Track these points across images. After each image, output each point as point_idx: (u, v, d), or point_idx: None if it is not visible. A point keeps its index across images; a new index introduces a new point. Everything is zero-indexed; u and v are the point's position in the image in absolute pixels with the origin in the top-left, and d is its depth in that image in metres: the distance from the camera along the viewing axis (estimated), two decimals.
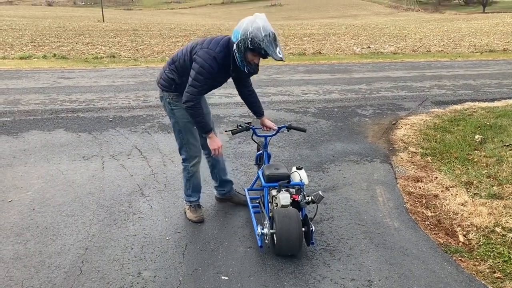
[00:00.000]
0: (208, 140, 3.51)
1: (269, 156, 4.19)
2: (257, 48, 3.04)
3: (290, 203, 3.31)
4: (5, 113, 7.04)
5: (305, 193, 3.46)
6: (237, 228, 3.69)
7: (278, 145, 5.85)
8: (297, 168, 3.65)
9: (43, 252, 3.31)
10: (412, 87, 9.73)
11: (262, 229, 3.22)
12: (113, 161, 5.18)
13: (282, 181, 3.44)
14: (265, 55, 3.09)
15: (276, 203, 3.35)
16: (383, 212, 4.03)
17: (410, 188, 4.54)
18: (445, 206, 4.13)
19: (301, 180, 3.55)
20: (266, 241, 3.25)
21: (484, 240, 3.48)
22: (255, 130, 3.93)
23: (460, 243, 3.48)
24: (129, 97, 8.40)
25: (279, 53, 3.09)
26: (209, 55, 3.20)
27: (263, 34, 3.01)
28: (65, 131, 6.26)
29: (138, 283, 2.96)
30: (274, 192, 3.43)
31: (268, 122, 3.92)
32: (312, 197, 3.29)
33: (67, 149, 5.54)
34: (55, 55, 14.80)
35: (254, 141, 4.24)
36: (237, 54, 3.14)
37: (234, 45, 3.11)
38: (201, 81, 3.24)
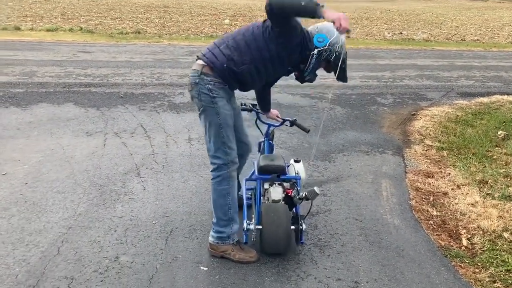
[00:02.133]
0: (326, 15, 2.43)
1: (271, 146, 3.98)
2: (335, 64, 2.76)
3: (283, 198, 3.09)
4: (18, 85, 7.04)
5: (299, 188, 3.25)
6: None
7: (287, 131, 5.63)
8: (295, 161, 3.44)
9: (25, 228, 3.24)
10: (439, 76, 9.29)
11: (249, 224, 3.00)
12: (116, 138, 5.09)
13: (276, 173, 3.22)
14: (336, 72, 2.78)
15: (268, 197, 3.15)
16: (385, 208, 3.80)
17: (419, 184, 4.29)
18: (453, 205, 3.86)
19: (297, 173, 3.34)
20: (253, 238, 3.05)
21: (489, 246, 3.22)
22: (259, 114, 3.71)
23: (463, 247, 3.24)
24: (144, 73, 8.30)
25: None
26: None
27: (345, 52, 2.79)
28: (75, 105, 6.21)
29: (113, 267, 2.85)
30: (266, 185, 3.20)
31: (273, 112, 3.65)
32: (306, 193, 3.03)
33: (72, 123, 5.48)
34: (81, 28, 14.83)
35: (257, 126, 3.94)
36: (314, 59, 2.75)
37: (316, 50, 2.73)
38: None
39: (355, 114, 6.52)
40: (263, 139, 3.86)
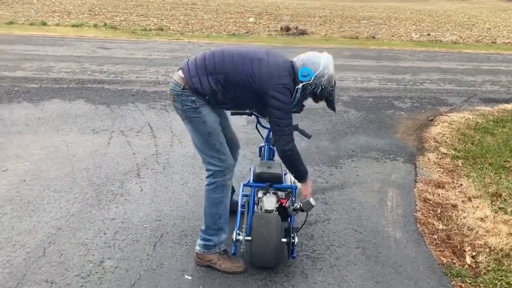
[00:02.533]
0: (302, 186, 2.88)
1: (272, 152, 3.84)
2: (323, 96, 2.76)
3: (276, 208, 2.94)
4: (33, 80, 7.11)
5: (294, 198, 3.11)
6: None
7: (296, 134, 5.47)
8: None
9: (15, 228, 3.21)
10: (462, 80, 8.96)
11: (239, 234, 2.85)
12: (121, 137, 5.05)
13: (272, 182, 3.05)
14: (326, 103, 2.85)
15: (261, 207, 3.01)
16: (388, 219, 3.62)
17: (428, 194, 4.09)
18: (461, 219, 3.66)
19: (293, 183, 3.18)
20: (242, 249, 2.90)
21: (494, 265, 3.02)
22: (259, 118, 3.57)
23: (466, 266, 3.04)
24: (159, 71, 8.27)
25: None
26: (285, 89, 2.64)
27: (333, 83, 2.73)
28: (85, 102, 6.21)
29: (96, 272, 2.78)
30: (260, 193, 3.03)
31: None
32: (301, 205, 2.88)
33: (80, 120, 5.47)
34: (105, 24, 14.99)
35: (258, 131, 3.80)
36: (299, 93, 2.69)
37: (301, 84, 2.66)
38: (287, 117, 2.68)
39: (369, 118, 6.32)
40: (264, 144, 3.73)
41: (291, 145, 2.68)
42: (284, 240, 2.83)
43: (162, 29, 14.92)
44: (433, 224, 3.58)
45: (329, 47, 12.39)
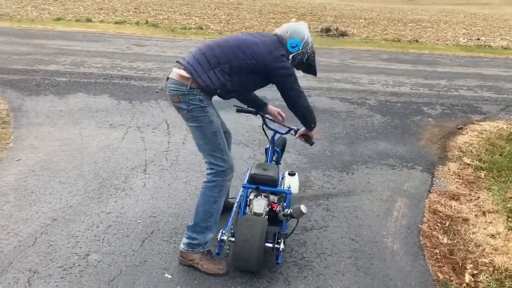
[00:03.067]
0: (311, 132, 3.15)
1: (276, 153, 3.76)
2: (311, 64, 2.95)
3: (266, 212, 2.88)
4: (64, 74, 7.34)
5: (286, 203, 3.03)
6: None
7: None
8: (289, 174, 3.19)
9: (13, 216, 3.29)
10: (503, 88, 8.50)
11: (223, 234, 2.79)
12: (137, 132, 5.11)
13: (266, 185, 2.97)
14: (308, 69, 3.00)
15: (251, 209, 2.95)
16: (389, 229, 3.46)
17: (439, 206, 3.88)
18: (469, 234, 3.44)
19: (288, 187, 3.10)
20: (227, 251, 2.83)
21: (494, 286, 2.81)
22: (266, 119, 3.49)
23: (464, 284, 2.85)
24: None
25: None
26: (285, 57, 2.75)
27: (313, 50, 2.93)
28: (109, 97, 6.34)
29: (79, 265, 2.80)
30: (252, 195, 2.98)
31: (272, 109, 3.43)
32: (291, 211, 2.81)
33: (100, 115, 5.58)
34: (147, 22, 15.32)
35: (264, 132, 3.71)
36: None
37: (291, 56, 2.79)
38: (296, 79, 2.77)
39: (394, 123, 6.09)
40: (269, 146, 3.65)
41: (308, 101, 2.89)
42: (269, 245, 2.74)
43: (201, 28, 15.09)
44: (438, 238, 3.39)
45: (366, 49, 12.12)
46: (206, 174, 2.81)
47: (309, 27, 17.59)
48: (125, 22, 15.05)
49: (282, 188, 3.16)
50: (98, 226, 3.24)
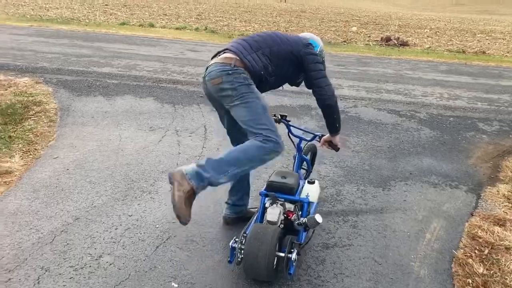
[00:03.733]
0: (336, 137, 3.19)
1: (304, 161, 3.66)
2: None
3: (282, 221, 2.79)
4: (116, 76, 7.57)
5: (301, 212, 2.91)
6: (234, 233, 3.27)
7: (353, 148, 5.17)
8: (309, 182, 3.10)
9: (39, 212, 3.38)
10: None
11: (235, 242, 2.72)
12: (174, 136, 5.14)
13: (283, 192, 2.89)
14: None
15: (265, 217, 2.87)
16: (419, 253, 3.22)
17: (480, 231, 3.57)
18: (510, 265, 3.12)
19: (307, 196, 3.00)
20: (239, 258, 2.73)
21: None
22: (290, 126, 3.43)
23: None
24: None
25: None
26: (312, 46, 3.00)
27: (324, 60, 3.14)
28: (154, 100, 6.46)
29: (90, 266, 2.82)
30: (268, 203, 2.89)
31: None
32: (306, 220, 2.72)
33: (142, 117, 5.69)
34: (206, 28, 15.60)
35: (291, 139, 3.63)
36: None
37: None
38: (324, 68, 3.00)
39: (443, 139, 5.74)
40: (296, 153, 3.56)
41: (336, 96, 2.95)
42: (281, 254, 2.63)
43: None
44: (472, 266, 3.10)
45: (425, 60, 11.62)
46: (260, 139, 2.57)
47: (370, 36, 17.19)
48: (185, 28, 15.42)
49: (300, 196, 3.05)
50: (117, 228, 3.25)
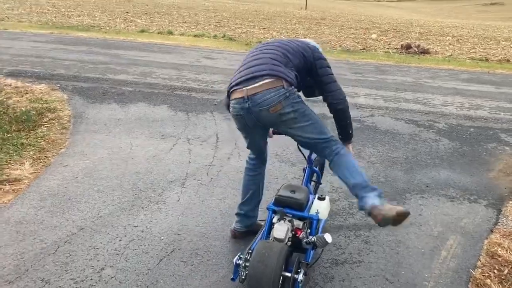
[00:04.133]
0: (349, 145, 3.05)
1: (314, 174, 3.54)
2: None
3: (289, 238, 2.66)
4: (131, 83, 7.58)
5: (310, 230, 2.79)
6: (241, 246, 3.18)
7: (368, 159, 5.03)
8: (319, 198, 2.95)
9: (44, 222, 3.35)
10: None
11: (240, 259, 2.59)
12: (185, 144, 5.08)
13: (291, 208, 2.78)
14: None
15: (272, 234, 2.75)
16: (434, 272, 3.07)
17: (500, 249, 3.40)
18: None
19: (316, 212, 2.87)
20: (243, 276, 2.57)
21: None
22: None
23: None
24: None
25: None
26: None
27: None
28: (168, 107, 6.42)
29: (91, 279, 2.75)
30: (275, 219, 2.77)
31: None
32: (315, 239, 2.60)
33: (154, 125, 5.65)
34: (224, 35, 15.60)
35: (301, 151, 3.51)
36: None
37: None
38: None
39: (463, 150, 5.55)
40: (306, 165, 3.45)
41: (347, 101, 2.89)
42: (287, 274, 2.51)
43: None
44: (490, 287, 2.93)
45: (446, 68, 11.38)
46: (332, 154, 2.73)
47: (390, 44, 16.98)
48: (204, 36, 15.44)
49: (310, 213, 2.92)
50: (121, 240, 3.19)
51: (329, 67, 2.88)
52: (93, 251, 3.04)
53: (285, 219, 2.73)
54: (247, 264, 2.52)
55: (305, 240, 2.65)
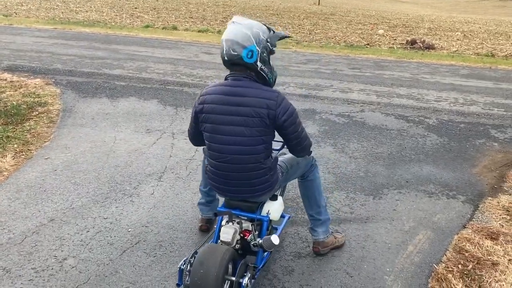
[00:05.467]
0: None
1: None
2: (275, 44, 2.51)
3: (237, 241, 2.56)
4: (125, 78, 7.64)
5: (257, 232, 2.68)
6: (205, 239, 3.20)
7: (351, 154, 5.02)
8: (270, 198, 2.81)
9: (16, 212, 3.41)
10: None
11: (184, 263, 2.46)
12: (169, 138, 5.13)
13: (240, 209, 2.69)
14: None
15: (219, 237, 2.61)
16: (397, 266, 3.07)
17: (469, 245, 3.38)
18: (492, 282, 2.94)
19: (267, 213, 2.75)
20: (187, 281, 2.40)
21: None
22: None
23: None
24: None
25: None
26: (280, 95, 2.54)
27: (267, 27, 2.49)
28: (158, 102, 6.47)
29: (52, 268, 2.81)
30: (224, 221, 2.64)
31: None
32: (262, 241, 2.51)
33: (141, 119, 5.70)
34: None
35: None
36: (265, 68, 2.49)
37: (259, 64, 2.44)
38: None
39: (449, 146, 5.50)
40: None
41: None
42: (232, 278, 2.39)
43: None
44: (451, 282, 2.93)
45: (447, 64, 11.25)
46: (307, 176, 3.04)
47: (395, 39, 16.84)
48: (208, 31, 15.47)
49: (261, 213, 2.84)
50: (88, 231, 3.24)
51: (296, 121, 2.69)
52: (59, 241, 3.09)
53: (234, 221, 2.60)
54: (190, 268, 2.38)
55: (252, 243, 2.56)
